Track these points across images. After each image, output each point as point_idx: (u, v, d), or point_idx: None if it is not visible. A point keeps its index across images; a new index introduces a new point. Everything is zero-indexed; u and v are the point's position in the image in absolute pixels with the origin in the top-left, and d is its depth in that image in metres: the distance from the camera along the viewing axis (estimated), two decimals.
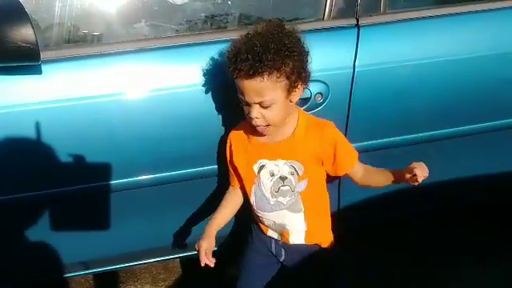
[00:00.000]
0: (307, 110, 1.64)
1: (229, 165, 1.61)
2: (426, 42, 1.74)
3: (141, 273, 2.33)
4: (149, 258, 1.94)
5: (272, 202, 1.53)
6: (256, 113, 1.40)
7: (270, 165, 1.51)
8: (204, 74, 1.58)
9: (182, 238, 1.88)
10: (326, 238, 1.62)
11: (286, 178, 1.49)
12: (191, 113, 1.61)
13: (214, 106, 1.61)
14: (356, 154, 1.53)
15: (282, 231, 1.58)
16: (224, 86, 1.57)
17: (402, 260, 2.30)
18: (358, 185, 1.55)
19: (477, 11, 1.78)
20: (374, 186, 1.54)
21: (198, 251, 1.56)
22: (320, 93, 1.65)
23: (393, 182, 1.48)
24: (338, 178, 1.60)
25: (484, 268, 2.22)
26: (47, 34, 1.56)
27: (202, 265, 1.55)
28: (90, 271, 1.91)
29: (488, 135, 1.90)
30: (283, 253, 1.63)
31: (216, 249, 1.93)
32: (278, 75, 1.35)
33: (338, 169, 1.51)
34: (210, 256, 1.55)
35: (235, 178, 1.62)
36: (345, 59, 1.66)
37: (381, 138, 1.79)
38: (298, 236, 1.57)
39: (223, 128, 1.64)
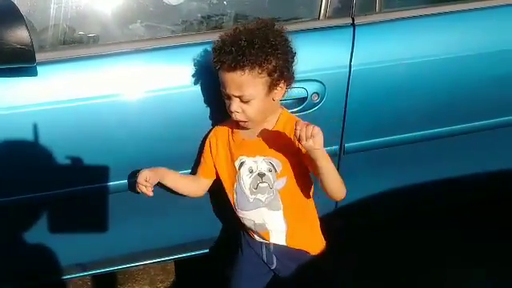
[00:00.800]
0: (304, 109, 1.64)
1: (206, 159, 1.61)
2: (422, 40, 1.74)
3: (139, 274, 2.33)
4: (147, 260, 1.93)
5: (251, 200, 1.53)
6: (236, 106, 1.42)
7: (249, 161, 1.51)
8: (200, 75, 1.58)
9: (180, 239, 1.88)
10: (312, 244, 1.59)
11: (264, 174, 1.49)
12: (188, 113, 1.61)
13: (210, 106, 1.60)
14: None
15: (262, 232, 1.57)
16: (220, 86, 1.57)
17: (401, 259, 2.30)
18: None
19: (471, 9, 1.78)
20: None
21: (137, 176, 1.54)
22: (316, 92, 1.64)
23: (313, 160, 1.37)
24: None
25: (483, 268, 2.22)
26: (42, 36, 1.56)
27: (138, 190, 1.55)
28: (88, 273, 1.91)
29: (484, 133, 1.90)
30: (275, 260, 1.60)
31: (208, 250, 1.94)
32: (260, 71, 1.37)
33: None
34: (150, 189, 1.54)
35: (203, 170, 1.62)
36: (341, 58, 1.66)
37: (377, 137, 1.79)
38: (277, 236, 1.56)
39: None
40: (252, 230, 1.60)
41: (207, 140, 1.60)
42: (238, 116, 1.44)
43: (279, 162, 1.48)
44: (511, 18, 1.83)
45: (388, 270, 2.25)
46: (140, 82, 1.57)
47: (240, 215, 1.59)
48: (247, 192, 1.53)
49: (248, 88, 1.39)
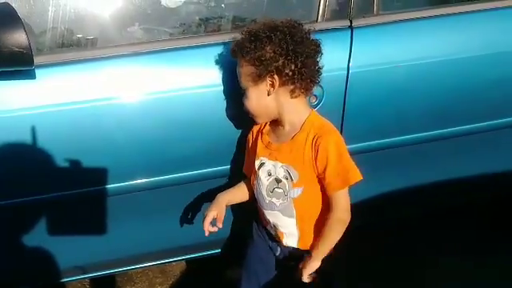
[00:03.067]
0: None
1: (247, 153, 1.63)
2: (419, 42, 1.75)
3: (137, 277, 2.33)
4: (146, 262, 1.93)
5: (267, 201, 1.53)
6: (243, 97, 1.48)
7: (269, 164, 1.51)
8: (198, 78, 1.58)
9: (179, 241, 1.88)
10: None
11: (281, 181, 1.49)
12: (186, 116, 1.61)
13: (209, 108, 1.60)
14: (348, 178, 1.43)
15: (276, 231, 1.58)
16: (218, 88, 1.58)
17: (401, 260, 2.30)
18: None
19: (469, 12, 1.79)
20: None
21: (205, 218, 1.56)
22: (314, 94, 1.64)
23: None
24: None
25: (484, 268, 2.23)
26: (41, 39, 1.56)
27: (206, 234, 1.56)
28: (87, 275, 1.91)
29: (482, 135, 1.91)
30: (278, 249, 1.62)
31: (207, 253, 1.94)
32: (246, 59, 1.42)
33: (325, 186, 1.46)
34: (221, 223, 1.56)
35: (247, 165, 1.64)
36: (339, 61, 1.66)
37: (375, 139, 1.79)
38: (291, 239, 1.56)
39: (218, 131, 1.64)
40: (267, 223, 1.60)
41: (248, 137, 1.62)
42: (245, 109, 1.49)
43: (296, 171, 1.47)
44: (508, 21, 1.84)
45: (387, 269, 2.25)
46: (138, 85, 1.57)
47: (260, 210, 1.60)
48: (264, 193, 1.53)
49: (240, 76, 1.46)
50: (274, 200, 1.52)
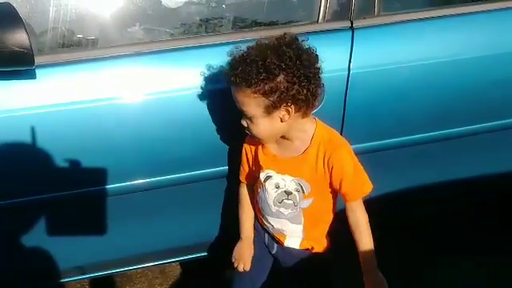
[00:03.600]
0: None
1: (244, 166, 1.62)
2: (421, 43, 1.74)
3: (137, 277, 2.32)
4: (145, 263, 1.93)
5: (273, 210, 1.53)
6: (243, 121, 1.42)
7: (277, 177, 1.50)
8: (199, 78, 1.58)
9: (179, 241, 1.87)
10: (320, 244, 1.60)
11: (291, 193, 1.49)
12: (187, 116, 1.61)
13: (209, 109, 1.60)
14: (363, 189, 1.49)
15: (279, 235, 1.59)
16: (219, 89, 1.57)
17: (400, 260, 2.29)
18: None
19: (472, 13, 1.79)
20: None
21: (243, 265, 1.64)
22: None
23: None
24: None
25: (483, 268, 2.23)
26: (42, 39, 1.56)
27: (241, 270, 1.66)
28: (86, 276, 1.91)
29: (484, 136, 1.91)
30: (275, 246, 1.63)
31: (207, 253, 1.94)
32: (252, 91, 1.33)
33: (343, 196, 1.50)
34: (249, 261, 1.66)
35: (244, 176, 1.63)
36: (339, 62, 1.66)
37: (376, 140, 1.79)
38: (293, 241, 1.58)
39: (218, 132, 1.64)
40: (268, 228, 1.61)
41: (243, 148, 1.60)
42: (247, 131, 1.43)
43: (308, 184, 1.47)
44: (509, 22, 1.84)
45: (386, 269, 2.24)
46: (139, 85, 1.57)
47: (260, 216, 1.61)
48: (270, 203, 1.53)
49: (245, 106, 1.37)
50: (281, 210, 1.52)
